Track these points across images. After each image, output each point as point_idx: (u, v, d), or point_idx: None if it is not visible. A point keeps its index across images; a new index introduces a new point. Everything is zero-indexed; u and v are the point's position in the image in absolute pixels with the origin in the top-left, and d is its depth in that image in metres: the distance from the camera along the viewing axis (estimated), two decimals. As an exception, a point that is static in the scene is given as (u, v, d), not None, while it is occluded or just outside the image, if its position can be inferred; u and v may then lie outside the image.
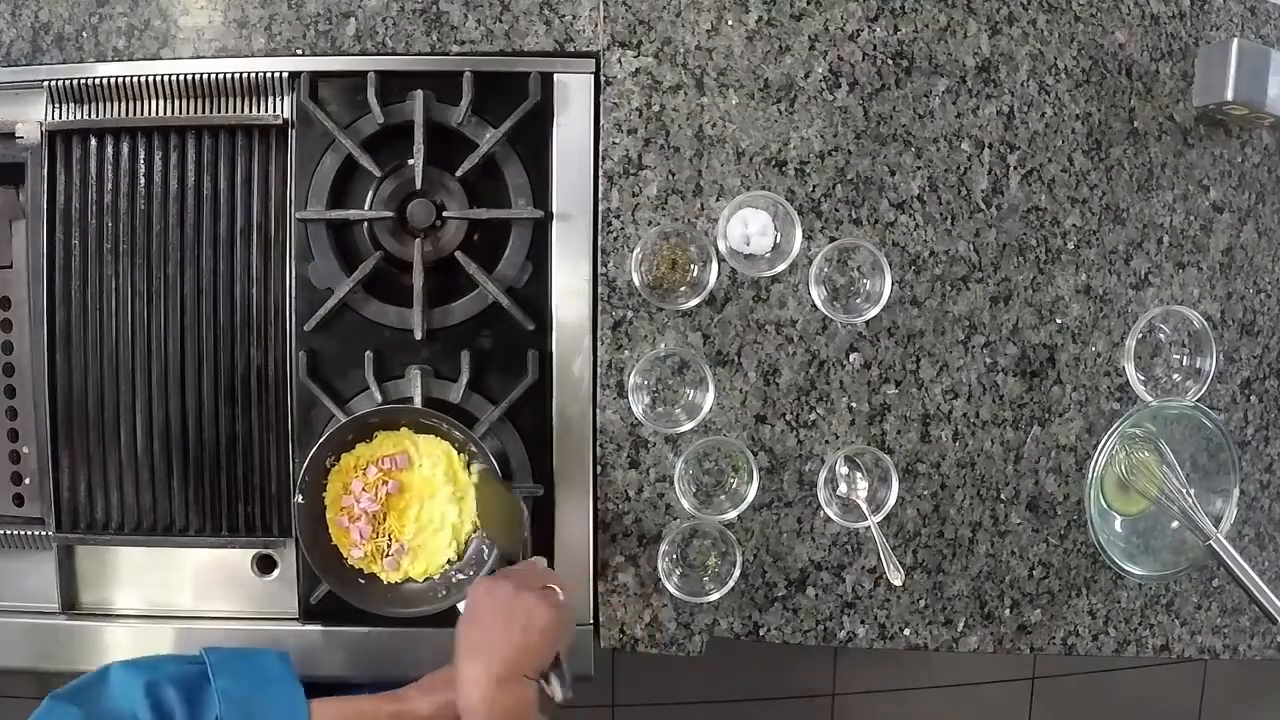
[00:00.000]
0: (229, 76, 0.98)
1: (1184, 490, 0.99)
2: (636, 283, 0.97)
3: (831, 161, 1.00)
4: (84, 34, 0.99)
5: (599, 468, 1.00)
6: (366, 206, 1.00)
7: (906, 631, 1.04)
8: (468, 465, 0.96)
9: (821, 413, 1.01)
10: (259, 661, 0.91)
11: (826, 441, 1.01)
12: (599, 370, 1.00)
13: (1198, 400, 1.01)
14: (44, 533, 1.01)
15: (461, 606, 0.85)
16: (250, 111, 1.00)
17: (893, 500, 0.97)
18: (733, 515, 0.98)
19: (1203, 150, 1.06)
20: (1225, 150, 1.07)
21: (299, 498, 0.93)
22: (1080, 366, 1.04)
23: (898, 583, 0.96)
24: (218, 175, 1.00)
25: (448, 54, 0.99)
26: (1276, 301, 1.09)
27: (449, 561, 0.96)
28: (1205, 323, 0.99)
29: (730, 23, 0.99)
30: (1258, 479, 1.10)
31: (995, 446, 1.03)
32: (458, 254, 0.99)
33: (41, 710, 0.80)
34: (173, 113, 1.00)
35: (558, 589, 0.85)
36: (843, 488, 1.01)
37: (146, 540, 1.02)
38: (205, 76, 0.98)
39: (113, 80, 0.98)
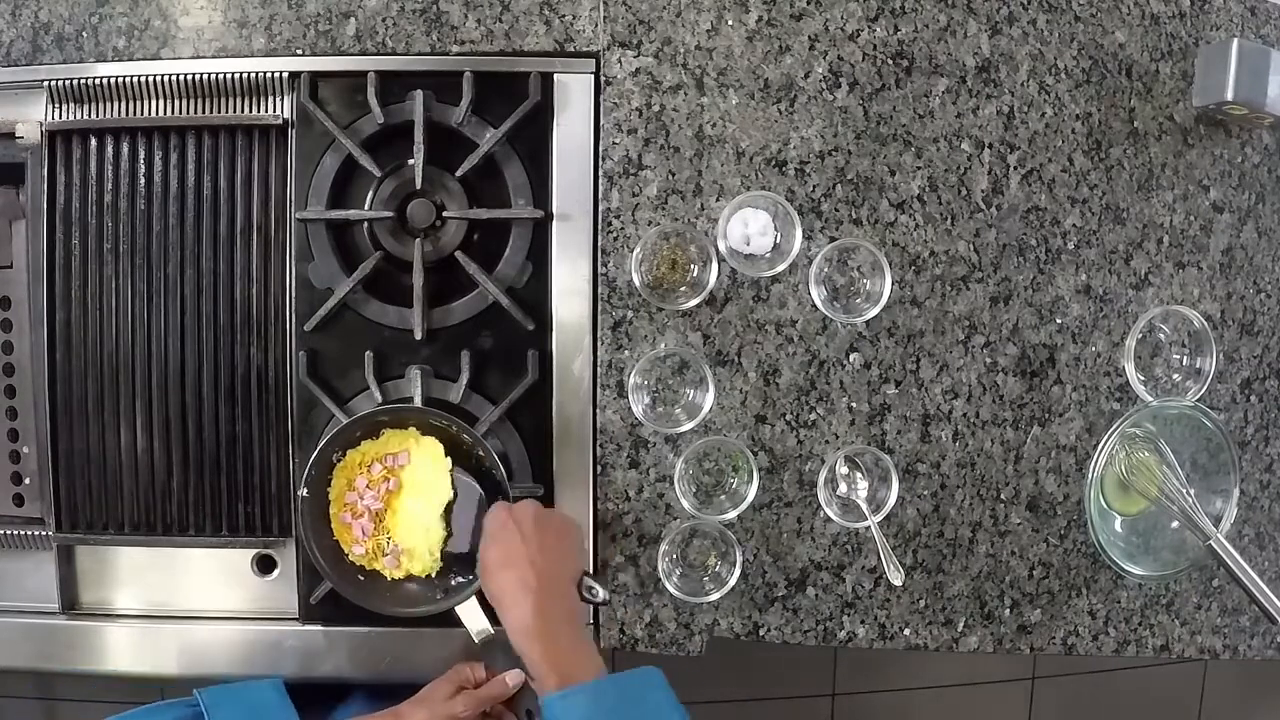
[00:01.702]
0: (229, 76, 0.98)
1: (1184, 490, 0.99)
2: (636, 283, 0.97)
3: (831, 161, 1.00)
4: (84, 34, 0.99)
5: (599, 468, 1.00)
6: (366, 206, 1.00)
7: (906, 631, 1.04)
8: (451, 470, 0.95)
9: (821, 413, 1.01)
10: (252, 694, 0.90)
11: (826, 441, 1.01)
12: (599, 370, 1.00)
13: (1198, 400, 1.01)
14: (44, 533, 1.01)
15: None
16: (250, 111, 1.00)
17: (893, 500, 0.97)
18: (733, 515, 0.98)
19: (1203, 150, 1.06)
20: (1225, 150, 1.07)
21: (304, 491, 0.92)
22: (1080, 366, 1.04)
23: (898, 583, 0.96)
24: (218, 175, 1.00)
25: (448, 54, 0.99)
26: (1276, 301, 1.09)
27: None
28: (1205, 323, 1.00)
29: (730, 23, 0.99)
30: (1258, 479, 1.09)
31: (995, 446, 1.03)
32: (458, 254, 0.99)
33: None
34: (173, 113, 1.00)
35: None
36: (843, 488, 1.00)
37: (146, 540, 1.02)
38: (205, 76, 0.98)
39: (113, 80, 0.98)
